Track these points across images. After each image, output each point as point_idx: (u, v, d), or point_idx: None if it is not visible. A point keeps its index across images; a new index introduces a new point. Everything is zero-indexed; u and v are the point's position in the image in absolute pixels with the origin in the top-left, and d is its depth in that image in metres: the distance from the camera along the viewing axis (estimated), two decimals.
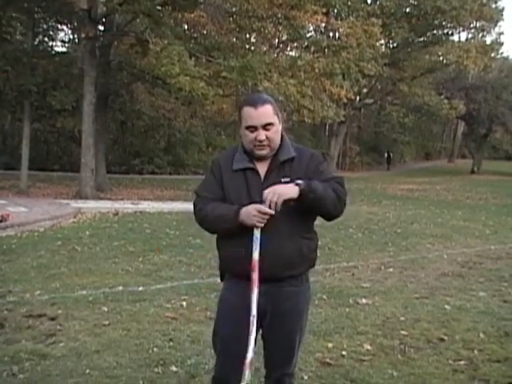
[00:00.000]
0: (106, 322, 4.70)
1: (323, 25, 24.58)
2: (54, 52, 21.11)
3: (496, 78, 36.69)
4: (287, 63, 18.17)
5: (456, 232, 11.17)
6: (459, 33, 35.41)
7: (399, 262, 7.92)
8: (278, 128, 2.45)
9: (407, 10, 27.71)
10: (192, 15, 18.46)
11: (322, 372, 3.79)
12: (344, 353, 4.16)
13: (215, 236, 2.61)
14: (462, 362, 4.05)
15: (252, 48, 20.82)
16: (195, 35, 20.52)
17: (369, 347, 4.30)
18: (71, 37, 27.73)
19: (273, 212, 2.31)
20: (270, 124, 2.40)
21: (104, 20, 17.17)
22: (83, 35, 16.37)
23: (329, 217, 2.49)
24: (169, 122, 28.97)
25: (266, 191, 2.30)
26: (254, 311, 2.35)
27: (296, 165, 2.46)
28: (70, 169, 23.14)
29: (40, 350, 4.01)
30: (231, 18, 18.95)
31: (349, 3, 24.17)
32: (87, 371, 3.68)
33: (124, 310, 5.07)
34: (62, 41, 26.68)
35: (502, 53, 44.69)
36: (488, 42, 37.20)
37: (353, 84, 23.24)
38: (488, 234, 11.17)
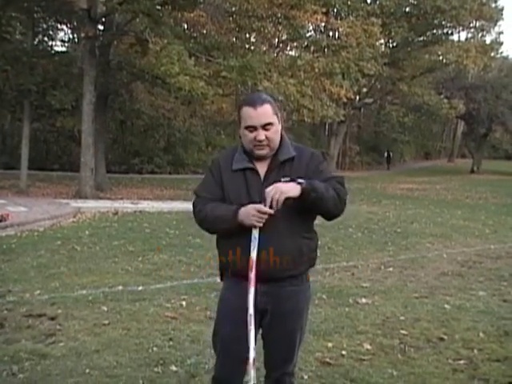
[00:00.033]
0: (106, 322, 4.70)
1: (323, 24, 24.59)
2: (53, 51, 21.09)
3: (496, 77, 36.70)
4: (287, 63, 18.16)
5: (456, 231, 11.17)
6: (459, 32, 35.47)
7: (399, 261, 7.92)
8: (277, 128, 2.45)
9: (407, 9, 27.70)
10: (192, 15, 18.46)
11: (321, 371, 3.80)
12: (344, 352, 4.16)
13: (215, 235, 2.61)
14: (461, 362, 4.05)
15: (252, 48, 20.82)
16: (195, 35, 20.51)
17: (368, 347, 4.30)
18: (71, 36, 27.75)
19: (272, 211, 2.31)
20: (270, 124, 2.40)
21: (104, 19, 17.16)
22: (83, 35, 16.35)
23: (329, 216, 2.49)
24: (168, 122, 28.95)
25: (268, 189, 2.30)
26: (251, 310, 2.35)
27: (296, 164, 2.46)
28: (70, 168, 23.13)
29: (40, 350, 4.01)
30: (231, 18, 18.95)
31: (348, 3, 24.19)
32: (87, 371, 3.68)
33: (124, 309, 5.07)
34: (62, 40, 26.72)
35: (501, 52, 44.82)
36: (488, 42, 37.22)
37: (352, 83, 23.21)
38: (488, 233, 11.17)
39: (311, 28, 26.14)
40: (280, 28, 20.68)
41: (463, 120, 38.77)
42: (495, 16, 33.22)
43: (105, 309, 5.06)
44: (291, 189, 2.30)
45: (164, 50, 14.51)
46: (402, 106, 34.14)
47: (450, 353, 4.23)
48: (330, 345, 4.29)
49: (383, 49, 27.40)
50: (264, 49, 23.49)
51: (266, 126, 2.39)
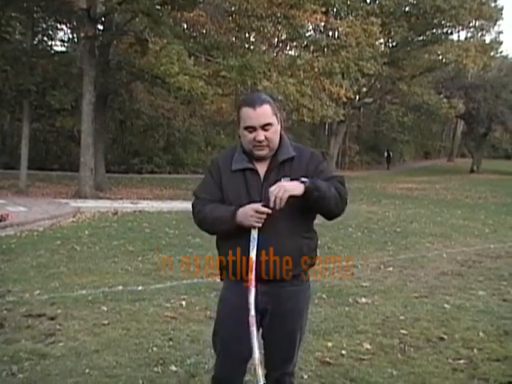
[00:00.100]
0: (106, 322, 4.69)
1: (322, 24, 24.55)
2: (53, 51, 21.07)
3: (495, 76, 36.68)
4: (286, 62, 18.16)
5: (455, 231, 11.17)
6: (458, 32, 35.41)
7: (399, 261, 7.92)
8: (276, 128, 2.44)
9: (406, 9, 27.68)
10: (191, 14, 18.45)
11: (321, 371, 3.79)
12: (344, 352, 4.16)
13: (214, 235, 2.61)
14: (461, 361, 4.05)
15: (251, 47, 20.81)
16: (194, 34, 20.51)
17: (368, 346, 4.30)
18: (70, 36, 27.70)
19: (269, 211, 2.31)
20: (269, 124, 2.40)
21: (103, 19, 17.16)
22: (82, 34, 16.36)
23: (330, 216, 2.49)
24: (168, 122, 28.96)
25: (272, 188, 2.29)
26: (253, 311, 2.35)
27: (296, 164, 2.45)
28: (70, 168, 23.14)
29: (39, 350, 4.01)
30: (230, 18, 18.93)
31: (348, 2, 24.18)
32: (87, 371, 3.68)
33: (123, 309, 5.07)
34: (62, 40, 26.64)
35: (501, 52, 44.69)
36: (487, 41, 37.25)
37: (352, 83, 23.22)
38: (487, 232, 11.17)
39: (311, 27, 26.09)
40: (279, 27, 20.65)
41: (463, 119, 38.76)
42: (495, 15, 33.20)
43: (104, 309, 5.06)
44: (295, 187, 2.29)
45: (163, 50, 14.51)
46: (401, 105, 34.11)
47: (450, 352, 4.23)
48: (329, 344, 4.29)
49: (383, 48, 27.37)
50: (263, 48, 23.47)
51: (265, 127, 2.39)
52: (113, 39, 18.24)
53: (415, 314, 5.21)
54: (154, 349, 4.10)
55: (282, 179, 2.36)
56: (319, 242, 2.62)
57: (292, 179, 2.34)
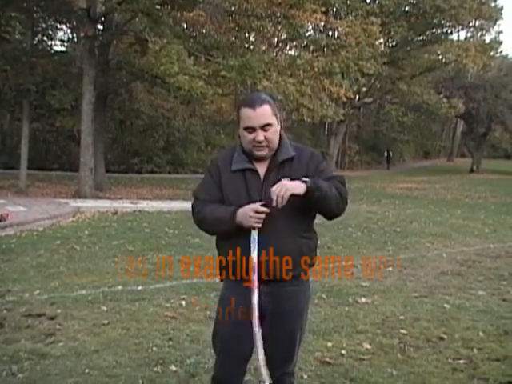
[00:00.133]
0: (106, 322, 4.69)
1: (322, 24, 24.53)
2: (53, 51, 21.08)
3: (495, 76, 36.67)
4: (286, 62, 18.16)
5: (455, 231, 11.17)
6: (458, 31, 35.38)
7: (398, 260, 7.92)
8: (276, 128, 2.44)
9: (406, 8, 27.68)
10: (191, 14, 18.44)
11: (321, 371, 3.79)
12: (343, 352, 4.16)
13: (214, 235, 2.61)
14: (461, 361, 4.05)
15: (251, 47, 20.80)
16: (194, 34, 20.50)
17: (368, 346, 4.30)
18: (70, 36, 27.72)
19: (268, 211, 2.31)
20: (269, 125, 2.39)
21: (103, 19, 17.16)
22: (82, 34, 16.36)
23: (331, 215, 2.49)
24: (168, 121, 28.95)
25: (274, 187, 2.29)
26: (256, 312, 2.35)
27: (296, 164, 2.45)
28: (69, 168, 23.13)
29: (39, 350, 4.01)
30: (230, 17, 18.92)
31: (348, 2, 24.17)
32: (86, 371, 3.68)
33: (123, 309, 5.07)
34: (61, 40, 26.66)
35: (501, 51, 44.64)
36: (487, 41, 37.19)
37: (352, 83, 23.22)
38: (487, 232, 11.17)
39: (310, 27, 26.07)
40: (279, 27, 20.65)
41: (463, 119, 38.75)
42: (494, 15, 33.17)
43: (104, 309, 5.06)
44: (297, 186, 2.29)
45: (163, 50, 14.51)
46: (401, 105, 34.10)
47: (450, 352, 4.23)
48: (329, 344, 4.29)
49: (382, 48, 27.36)
50: (263, 48, 23.47)
51: (265, 127, 2.38)
52: (112, 39, 18.24)
53: (415, 314, 5.21)
54: (154, 349, 4.10)
55: (282, 179, 2.35)
56: (319, 242, 2.62)
57: (292, 179, 2.34)
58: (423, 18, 27.22)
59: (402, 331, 4.68)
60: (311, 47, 22.35)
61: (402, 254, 8.42)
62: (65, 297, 5.41)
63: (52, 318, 4.75)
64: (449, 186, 25.76)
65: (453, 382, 3.71)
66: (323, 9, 20.41)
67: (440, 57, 30.16)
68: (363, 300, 5.64)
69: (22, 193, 15.60)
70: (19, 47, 17.64)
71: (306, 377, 3.69)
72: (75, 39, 26.75)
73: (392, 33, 27.15)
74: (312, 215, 2.51)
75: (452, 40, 30.94)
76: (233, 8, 18.27)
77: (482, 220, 13.11)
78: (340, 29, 23.20)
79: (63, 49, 25.87)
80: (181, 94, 17.20)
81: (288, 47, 28.34)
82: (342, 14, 25.08)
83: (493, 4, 33.59)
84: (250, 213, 2.32)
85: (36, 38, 18.78)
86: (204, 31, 20.43)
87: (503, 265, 7.84)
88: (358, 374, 3.74)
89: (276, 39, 26.35)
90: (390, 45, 29.68)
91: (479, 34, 39.80)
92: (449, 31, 29.94)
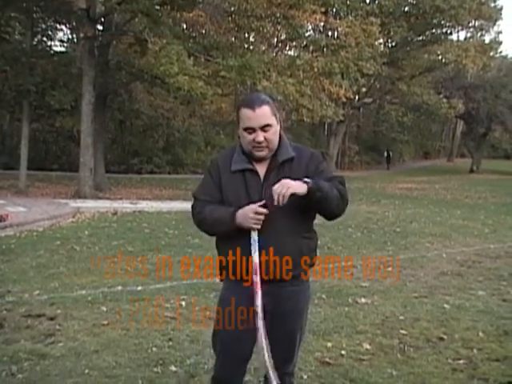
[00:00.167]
0: (105, 322, 4.69)
1: (322, 24, 24.55)
2: (52, 52, 21.06)
3: (495, 76, 36.68)
4: (286, 62, 18.17)
5: (455, 231, 11.17)
6: (458, 32, 35.35)
7: (398, 261, 7.92)
8: (276, 129, 2.44)
9: (406, 9, 27.68)
10: (191, 14, 18.44)
11: (321, 371, 3.79)
12: (343, 352, 4.16)
13: (214, 236, 2.61)
14: (461, 361, 4.05)
15: (251, 47, 20.80)
16: (194, 34, 20.49)
17: (368, 346, 4.30)
18: (70, 36, 27.70)
19: (267, 212, 2.30)
20: (268, 125, 2.39)
21: (103, 19, 17.16)
22: (82, 35, 16.37)
23: (331, 216, 2.49)
24: (167, 122, 28.96)
25: (276, 185, 2.29)
26: (261, 314, 2.34)
27: (295, 165, 2.45)
28: (69, 168, 23.14)
29: (39, 350, 4.01)
30: (230, 18, 18.94)
31: (347, 2, 24.18)
32: (86, 371, 3.68)
33: (123, 309, 5.06)
34: (61, 40, 26.62)
35: (500, 52, 44.74)
36: (487, 41, 37.21)
37: (352, 83, 23.22)
38: (487, 232, 11.17)
39: (310, 28, 26.07)
40: (279, 28, 20.67)
41: (462, 119, 38.76)
42: (494, 15, 33.19)
43: (104, 309, 5.06)
44: (298, 186, 2.29)
45: (163, 50, 14.51)
46: (401, 105, 34.12)
47: (450, 352, 4.23)
48: (329, 344, 4.29)
49: (382, 48, 27.38)
50: (263, 48, 23.48)
51: (264, 128, 2.38)
52: (112, 39, 18.25)
53: (415, 314, 5.21)
54: (154, 349, 4.10)
55: (283, 180, 2.36)
56: (319, 242, 2.62)
57: (292, 179, 2.33)
58: (423, 19, 27.23)
59: (402, 331, 4.68)
60: (311, 47, 22.35)
61: (402, 255, 8.42)
62: (64, 297, 5.41)
63: (52, 319, 4.75)
64: (448, 186, 25.77)
65: (453, 383, 3.71)
66: (323, 9, 20.43)
67: (440, 57, 30.18)
68: (363, 300, 5.64)
69: (22, 193, 15.60)
70: (19, 48, 17.64)
71: (305, 377, 3.69)
72: (75, 40, 26.74)
73: (392, 33, 27.16)
74: (312, 215, 2.51)
75: (452, 40, 30.94)
76: (232, 8, 18.29)
77: (482, 220, 13.11)
78: (340, 29, 23.21)
79: (63, 49, 25.86)
80: (180, 95, 17.20)
81: (288, 47, 28.36)
82: (341, 15, 25.08)
83: (492, 4, 33.64)
84: (249, 214, 2.32)
85: (36, 39, 18.78)
86: (204, 31, 20.44)
87: (503, 265, 7.84)
88: (357, 375, 3.74)
89: (276, 39, 26.38)
90: (390, 45, 29.70)
91: (479, 34, 39.81)
92: (448, 31, 29.95)
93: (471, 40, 35.17)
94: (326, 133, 37.40)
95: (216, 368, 2.64)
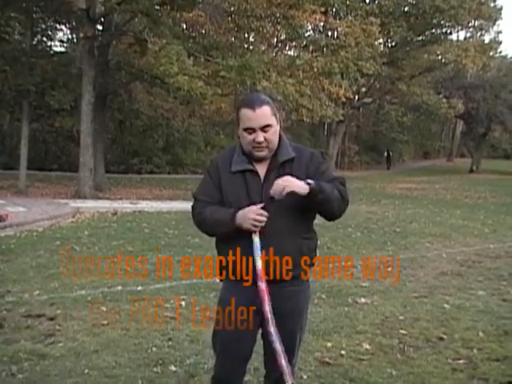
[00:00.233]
0: (105, 322, 4.69)
1: (322, 24, 24.55)
2: (52, 52, 21.05)
3: (495, 76, 36.68)
4: (286, 62, 18.17)
5: (455, 231, 11.17)
6: (458, 32, 35.31)
7: (398, 261, 7.92)
8: (276, 129, 2.44)
9: (406, 9, 27.66)
10: (190, 15, 18.44)
11: (321, 371, 3.79)
12: (343, 352, 4.16)
13: (214, 237, 2.61)
14: (461, 361, 4.05)
15: (250, 47, 20.81)
16: (194, 34, 20.49)
17: (368, 346, 4.30)
18: (70, 36, 27.70)
19: (267, 214, 2.30)
20: (268, 126, 2.39)
21: (102, 19, 17.15)
22: (82, 35, 16.36)
23: (331, 217, 2.49)
24: (167, 122, 28.95)
25: (279, 179, 2.29)
26: (272, 320, 2.34)
27: (296, 165, 2.45)
28: (69, 168, 23.14)
29: (39, 350, 4.01)
30: (230, 18, 18.93)
31: (347, 2, 24.17)
32: (86, 371, 3.68)
33: (123, 309, 5.06)
34: (61, 40, 26.62)
35: (500, 52, 44.77)
36: (486, 41, 37.22)
37: (351, 83, 23.21)
38: (487, 232, 11.17)
39: (310, 28, 26.06)
40: (279, 28, 20.66)
41: (462, 119, 38.77)
42: (494, 15, 33.17)
43: (104, 309, 5.06)
44: (300, 185, 2.29)
45: (163, 50, 14.51)
46: (400, 105, 34.11)
47: (450, 352, 4.23)
48: (329, 344, 4.29)
49: (382, 48, 27.37)
50: (263, 48, 23.48)
51: (264, 128, 2.38)
52: (112, 39, 18.24)
53: (415, 314, 5.21)
54: (154, 349, 4.10)
55: (286, 176, 2.35)
56: (319, 243, 2.62)
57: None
58: (422, 19, 27.21)
59: (402, 331, 4.68)
60: (310, 47, 22.37)
61: (402, 255, 8.42)
62: (64, 297, 5.41)
63: (52, 319, 4.75)
64: (448, 186, 25.77)
65: (453, 382, 3.71)
66: (322, 9, 20.44)
67: (439, 57, 30.17)
68: (363, 300, 5.64)
69: (22, 193, 15.59)
70: (19, 48, 17.64)
71: (305, 377, 3.69)
72: (75, 40, 26.74)
73: (391, 33, 27.14)
74: (312, 215, 2.51)
75: (451, 40, 30.94)
76: (232, 8, 18.28)
77: (482, 220, 13.11)
78: (339, 29, 23.21)
79: (63, 49, 25.85)
80: (180, 95, 17.19)
81: (287, 47, 28.37)
82: (341, 15, 25.09)
83: (492, 4, 33.61)
84: (249, 215, 2.32)
85: (35, 39, 18.77)
86: (203, 31, 20.43)
87: (503, 265, 7.85)
88: (357, 375, 3.74)
89: (275, 39, 26.38)
90: (390, 45, 29.68)
91: (478, 34, 39.80)
92: (448, 31, 29.93)
93: (471, 40, 35.16)
94: (325, 133, 37.41)
95: (216, 368, 2.64)
